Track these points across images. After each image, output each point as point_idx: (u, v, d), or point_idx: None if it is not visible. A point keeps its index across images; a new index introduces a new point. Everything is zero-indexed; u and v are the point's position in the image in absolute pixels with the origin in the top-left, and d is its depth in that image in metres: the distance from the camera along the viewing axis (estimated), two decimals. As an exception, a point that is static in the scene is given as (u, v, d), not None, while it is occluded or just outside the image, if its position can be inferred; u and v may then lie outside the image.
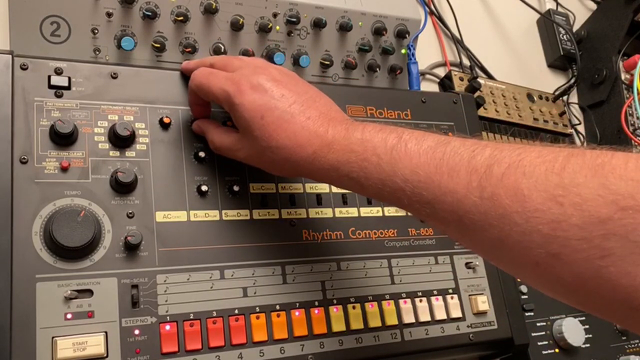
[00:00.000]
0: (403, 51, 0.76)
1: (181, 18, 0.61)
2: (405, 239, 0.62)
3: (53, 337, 0.44)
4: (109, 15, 0.59)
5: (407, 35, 0.74)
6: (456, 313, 0.61)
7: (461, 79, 0.86)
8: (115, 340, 0.46)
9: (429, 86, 0.87)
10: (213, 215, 0.53)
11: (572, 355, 0.71)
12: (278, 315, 0.52)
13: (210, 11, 0.62)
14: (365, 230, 0.60)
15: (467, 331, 0.61)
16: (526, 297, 0.72)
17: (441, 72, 0.89)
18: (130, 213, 0.50)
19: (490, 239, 0.37)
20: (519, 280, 0.70)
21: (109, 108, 0.53)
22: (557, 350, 0.71)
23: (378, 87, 0.75)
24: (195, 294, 0.50)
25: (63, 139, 0.49)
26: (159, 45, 0.62)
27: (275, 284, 0.53)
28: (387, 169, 0.42)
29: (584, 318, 0.74)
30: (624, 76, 0.99)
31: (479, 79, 0.85)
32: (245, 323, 0.51)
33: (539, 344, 0.70)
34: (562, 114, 0.95)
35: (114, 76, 0.54)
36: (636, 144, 0.89)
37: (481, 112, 0.84)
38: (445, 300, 0.61)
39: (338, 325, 0.54)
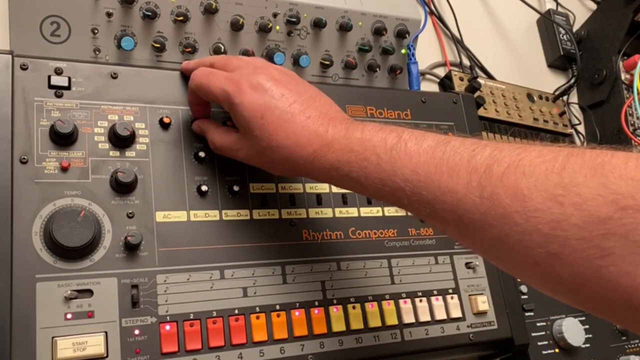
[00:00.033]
0: (403, 51, 0.76)
1: (181, 18, 0.61)
2: (405, 239, 0.62)
3: (53, 337, 0.44)
4: (109, 15, 0.59)
5: (407, 35, 0.74)
6: (456, 313, 0.61)
7: (461, 79, 0.86)
8: (115, 340, 0.46)
9: (429, 86, 0.87)
10: (213, 215, 0.53)
11: (572, 355, 0.71)
12: (278, 315, 0.52)
13: (210, 11, 0.62)
14: (365, 230, 0.60)
15: (467, 331, 0.61)
16: (526, 297, 0.72)
17: (441, 72, 0.89)
18: (130, 213, 0.50)
19: (490, 239, 0.37)
20: (519, 280, 0.70)
21: (109, 108, 0.53)
22: (557, 350, 0.71)
23: (378, 87, 0.75)
24: (195, 294, 0.50)
25: (63, 139, 0.49)
26: (159, 45, 0.62)
27: (275, 284, 0.53)
28: (386, 169, 0.42)
29: (584, 318, 0.74)
30: (624, 76, 0.99)
31: (479, 79, 0.85)
32: (245, 323, 0.51)
33: (539, 344, 0.70)
34: (562, 114, 0.95)
35: (114, 76, 0.54)
36: (636, 144, 0.89)
37: (481, 112, 0.84)
38: (445, 300, 0.61)
39: (338, 325, 0.54)
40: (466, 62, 0.92)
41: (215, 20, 0.64)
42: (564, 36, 1.03)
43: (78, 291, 0.46)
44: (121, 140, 0.51)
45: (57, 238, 0.45)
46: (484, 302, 0.62)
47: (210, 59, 0.55)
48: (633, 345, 0.76)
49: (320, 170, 0.47)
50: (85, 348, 0.45)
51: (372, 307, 0.57)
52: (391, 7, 0.73)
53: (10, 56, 0.50)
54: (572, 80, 1.00)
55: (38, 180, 0.48)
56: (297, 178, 0.59)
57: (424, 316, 0.59)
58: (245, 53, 0.66)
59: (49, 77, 0.51)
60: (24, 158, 0.48)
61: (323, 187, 0.60)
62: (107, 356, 0.45)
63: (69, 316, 0.45)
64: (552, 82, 1.03)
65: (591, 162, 0.33)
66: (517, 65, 1.01)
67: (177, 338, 0.48)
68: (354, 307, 0.56)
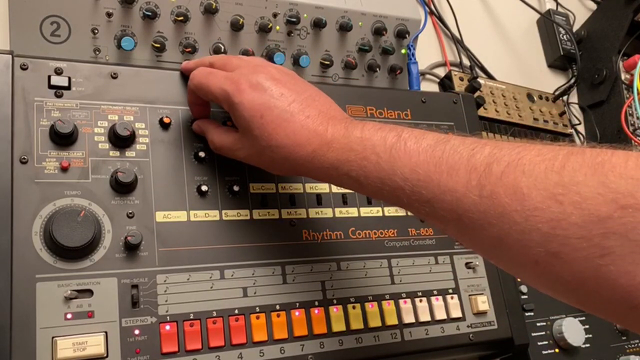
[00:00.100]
0: (403, 51, 0.76)
1: (181, 18, 0.61)
2: (405, 239, 0.62)
3: (53, 337, 0.44)
4: (109, 15, 0.59)
5: (407, 35, 0.74)
6: (456, 313, 0.61)
7: (461, 79, 0.86)
8: (115, 340, 0.46)
9: (429, 86, 0.87)
10: (213, 215, 0.53)
11: (572, 355, 0.71)
12: (278, 315, 0.52)
13: (210, 11, 0.62)
14: (365, 230, 0.60)
15: (467, 331, 0.61)
16: (526, 297, 0.72)
17: (441, 72, 0.89)
18: (130, 213, 0.50)
19: (490, 238, 0.37)
20: (519, 280, 0.70)
21: (109, 108, 0.53)
22: (557, 350, 0.71)
23: (378, 87, 0.75)
24: (195, 294, 0.50)
25: (63, 139, 0.49)
26: (159, 45, 0.62)
27: (275, 284, 0.53)
28: (386, 168, 0.42)
29: (584, 318, 0.74)
30: (624, 76, 0.99)
31: (479, 79, 0.85)
32: (245, 323, 0.51)
33: (539, 344, 0.70)
34: (562, 114, 0.95)
35: (114, 76, 0.54)
36: (636, 144, 0.89)
37: (481, 112, 0.84)
38: (445, 300, 0.61)
39: (338, 325, 0.54)
40: (466, 62, 0.92)
41: (215, 20, 0.64)
42: (564, 36, 1.03)
43: (78, 291, 0.46)
44: (121, 140, 0.51)
45: (57, 238, 0.45)
46: (484, 302, 0.62)
47: (210, 58, 0.55)
48: (633, 345, 0.76)
49: (319, 170, 0.47)
50: (85, 348, 0.45)
51: (372, 307, 0.57)
52: (391, 7, 0.73)
53: (10, 56, 0.50)
54: (572, 80, 1.00)
55: (38, 180, 0.48)
56: (297, 178, 0.59)
57: (424, 316, 0.59)
58: (245, 53, 0.66)
59: (49, 77, 0.51)
60: (24, 158, 0.48)
61: (323, 187, 0.60)
62: (107, 356, 0.45)
63: (69, 316, 0.45)
64: (552, 82, 1.03)
65: (591, 161, 0.33)
66: (517, 65, 1.01)
67: (177, 338, 0.48)
68: (354, 307, 0.56)
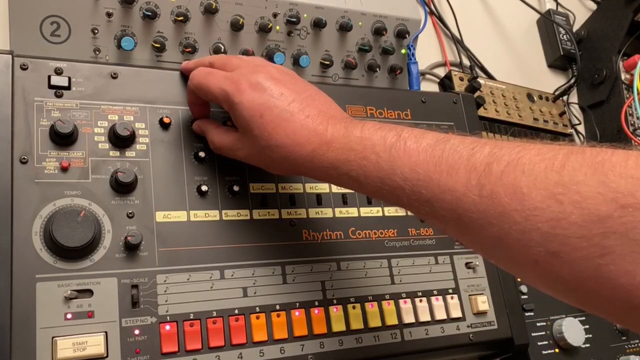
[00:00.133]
0: (403, 51, 0.76)
1: (181, 18, 0.61)
2: (405, 239, 0.62)
3: (53, 337, 0.44)
4: (109, 15, 0.59)
5: (407, 35, 0.74)
6: (456, 313, 0.61)
7: (461, 79, 0.86)
8: (115, 340, 0.46)
9: (429, 86, 0.87)
10: (213, 215, 0.53)
11: (572, 355, 0.71)
12: (278, 315, 0.52)
13: (210, 11, 0.62)
14: (365, 230, 0.60)
15: (467, 331, 0.61)
16: (526, 297, 0.72)
17: (441, 72, 0.89)
18: (130, 213, 0.50)
19: (490, 237, 0.37)
20: (519, 280, 0.70)
21: (109, 108, 0.53)
22: (557, 350, 0.71)
23: (378, 87, 0.75)
24: (195, 294, 0.50)
25: (63, 139, 0.49)
26: (159, 45, 0.62)
27: (275, 284, 0.53)
28: (386, 167, 0.42)
29: (584, 318, 0.74)
30: (624, 76, 0.99)
31: (479, 79, 0.85)
32: (245, 323, 0.51)
33: (539, 344, 0.70)
34: (562, 114, 0.95)
35: (114, 76, 0.54)
36: (636, 144, 0.89)
37: (481, 112, 0.84)
38: (445, 300, 0.61)
39: (338, 325, 0.54)
40: (466, 62, 0.92)
41: (215, 20, 0.64)
42: (564, 36, 1.03)
43: (78, 291, 0.46)
44: (121, 140, 0.51)
45: (57, 238, 0.45)
46: (484, 302, 0.62)
47: (210, 58, 0.55)
48: (633, 345, 0.76)
49: (319, 169, 0.47)
50: (85, 348, 0.45)
51: (372, 307, 0.57)
52: (391, 7, 0.73)
53: (10, 56, 0.50)
54: (572, 80, 1.00)
55: (38, 180, 0.48)
56: (297, 178, 0.59)
57: (424, 316, 0.59)
58: (245, 53, 0.66)
59: (49, 77, 0.51)
60: (24, 158, 0.48)
61: (323, 187, 0.60)
62: (107, 356, 0.45)
63: (69, 316, 0.45)
64: (552, 82, 1.03)
65: (591, 160, 0.33)
66: (517, 65, 1.01)
67: (177, 338, 0.48)
68: (354, 307, 0.56)
